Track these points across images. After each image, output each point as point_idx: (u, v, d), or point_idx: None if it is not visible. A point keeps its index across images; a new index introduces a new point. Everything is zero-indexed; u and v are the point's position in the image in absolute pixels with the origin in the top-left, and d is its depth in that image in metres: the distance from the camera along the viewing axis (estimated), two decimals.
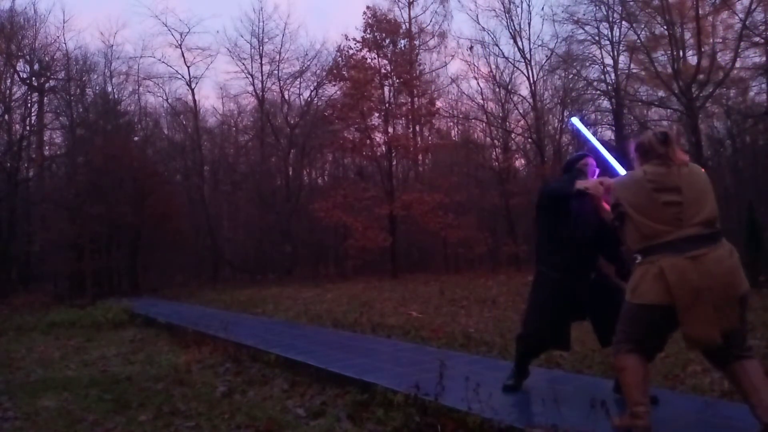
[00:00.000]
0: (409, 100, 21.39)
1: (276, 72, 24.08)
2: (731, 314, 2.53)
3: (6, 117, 19.95)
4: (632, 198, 2.69)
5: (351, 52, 20.11)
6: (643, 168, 2.72)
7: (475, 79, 21.92)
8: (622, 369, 2.76)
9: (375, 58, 20.06)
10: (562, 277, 3.40)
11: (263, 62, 24.18)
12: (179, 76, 24.20)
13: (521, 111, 21.27)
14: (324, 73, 22.38)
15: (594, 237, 3.37)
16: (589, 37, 18.60)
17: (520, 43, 19.95)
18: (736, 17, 15.08)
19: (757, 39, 14.90)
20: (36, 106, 21.46)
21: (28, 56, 20.88)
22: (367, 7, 20.28)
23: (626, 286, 2.83)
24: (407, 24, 23.23)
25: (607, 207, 3.12)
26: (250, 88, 24.67)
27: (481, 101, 21.98)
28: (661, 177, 2.64)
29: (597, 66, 18.99)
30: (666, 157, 2.67)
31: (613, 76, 18.83)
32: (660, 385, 3.87)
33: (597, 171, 3.49)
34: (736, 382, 2.66)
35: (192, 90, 24.25)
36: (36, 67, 21.05)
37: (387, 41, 20.44)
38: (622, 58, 18.94)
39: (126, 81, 24.29)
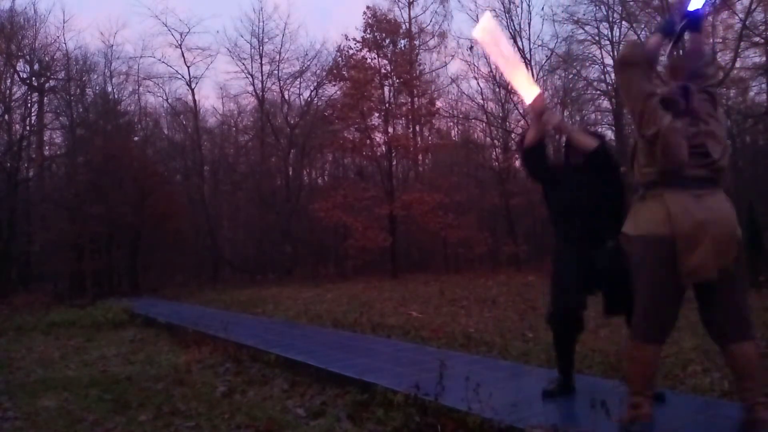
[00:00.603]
0: (409, 100, 21.38)
1: (276, 72, 24.07)
2: (728, 253, 2.57)
3: (6, 117, 19.93)
4: (668, 124, 2.58)
5: (351, 52, 20.12)
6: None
7: (475, 79, 21.90)
8: (636, 358, 2.69)
9: (375, 58, 20.05)
10: (577, 246, 3.38)
11: (263, 62, 24.16)
12: (179, 76, 24.19)
13: (521, 111, 21.26)
14: (324, 73, 22.38)
15: (593, 205, 3.33)
16: (589, 37, 18.64)
17: (520, 43, 19.93)
18: (736, 17, 15.07)
19: (757, 39, 14.89)
20: (36, 106, 21.44)
21: (28, 56, 20.85)
22: (367, 7, 20.31)
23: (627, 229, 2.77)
24: (407, 24, 23.21)
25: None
26: (250, 88, 24.67)
27: (481, 101, 21.97)
28: (690, 127, 2.63)
29: (597, 66, 19.02)
30: (689, 111, 2.66)
31: (613, 76, 18.83)
32: (660, 385, 3.87)
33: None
34: (731, 363, 2.68)
35: (192, 90, 24.25)
36: (36, 67, 21.03)
37: (387, 41, 20.43)
38: None
39: (126, 81, 24.28)
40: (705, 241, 2.50)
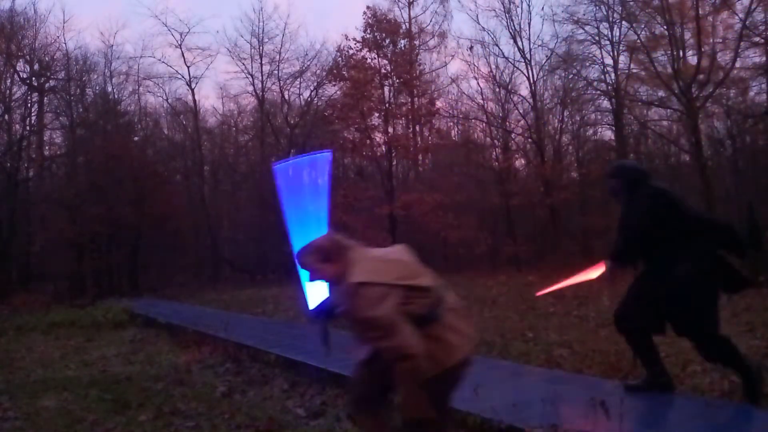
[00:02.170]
0: (409, 100, 21.38)
1: (276, 72, 24.05)
2: None
3: (6, 117, 19.96)
4: None
5: (351, 52, 20.14)
6: None
7: (475, 79, 21.90)
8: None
9: (375, 58, 20.06)
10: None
11: (263, 62, 24.14)
12: (179, 76, 24.18)
13: (521, 111, 21.25)
14: (324, 73, 22.39)
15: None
16: (589, 37, 18.60)
17: (520, 43, 19.95)
18: (736, 17, 15.08)
19: (757, 39, 14.87)
20: (36, 106, 21.46)
21: (28, 56, 20.86)
22: (367, 7, 20.32)
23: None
24: (407, 24, 23.18)
25: None
26: (250, 88, 24.65)
27: (481, 101, 21.96)
28: None
29: (597, 66, 19.00)
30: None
31: (613, 76, 18.83)
32: None
33: None
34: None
35: (192, 90, 24.25)
36: (36, 67, 21.05)
37: (387, 41, 20.43)
38: (622, 58, 18.95)
39: (126, 81, 24.25)
40: None
